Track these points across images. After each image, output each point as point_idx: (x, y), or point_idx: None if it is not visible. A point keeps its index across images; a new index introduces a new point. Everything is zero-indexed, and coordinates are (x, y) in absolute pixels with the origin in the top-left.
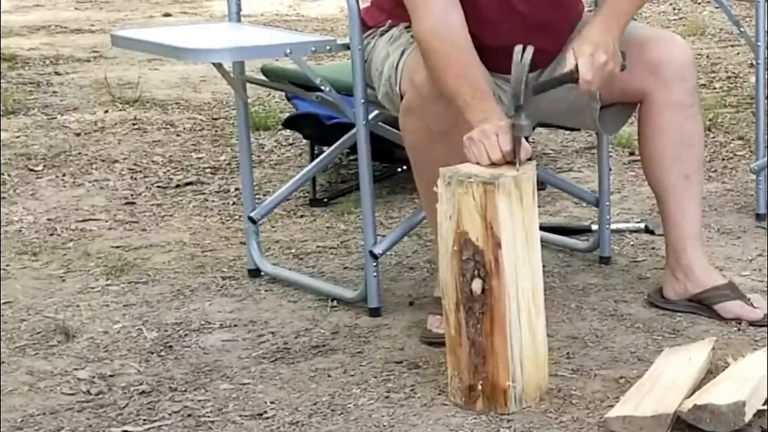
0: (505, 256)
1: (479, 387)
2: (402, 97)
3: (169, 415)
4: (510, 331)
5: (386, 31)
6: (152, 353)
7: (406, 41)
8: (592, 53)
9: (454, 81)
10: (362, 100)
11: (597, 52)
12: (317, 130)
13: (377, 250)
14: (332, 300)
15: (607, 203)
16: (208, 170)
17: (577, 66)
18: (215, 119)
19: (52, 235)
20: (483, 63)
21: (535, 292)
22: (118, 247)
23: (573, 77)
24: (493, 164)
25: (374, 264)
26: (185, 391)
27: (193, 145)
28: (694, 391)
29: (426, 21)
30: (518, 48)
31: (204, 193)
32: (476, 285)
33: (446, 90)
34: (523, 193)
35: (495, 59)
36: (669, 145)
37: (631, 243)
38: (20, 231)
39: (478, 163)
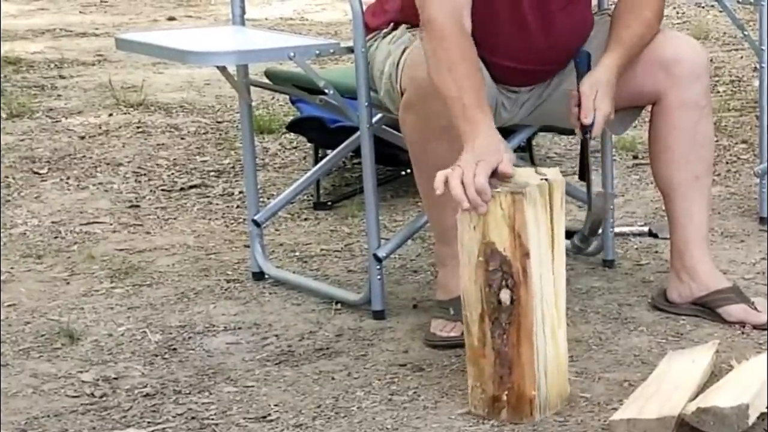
0: (533, 266)
1: (504, 398)
2: (402, 94)
3: (173, 417)
4: (537, 341)
5: (389, 33)
6: (156, 356)
7: (407, 39)
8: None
9: (449, 75)
10: (366, 104)
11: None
12: (321, 133)
13: (381, 254)
14: (336, 303)
15: (611, 207)
16: (212, 173)
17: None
18: (219, 122)
19: (56, 238)
20: (492, 75)
21: (558, 300)
22: (122, 250)
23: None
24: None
25: (378, 267)
26: (189, 393)
27: (197, 148)
28: (697, 394)
29: (438, 10)
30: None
31: (208, 197)
32: (504, 295)
33: (440, 82)
34: (550, 200)
35: (505, 74)
36: (680, 145)
37: (635, 246)
38: (24, 234)
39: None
